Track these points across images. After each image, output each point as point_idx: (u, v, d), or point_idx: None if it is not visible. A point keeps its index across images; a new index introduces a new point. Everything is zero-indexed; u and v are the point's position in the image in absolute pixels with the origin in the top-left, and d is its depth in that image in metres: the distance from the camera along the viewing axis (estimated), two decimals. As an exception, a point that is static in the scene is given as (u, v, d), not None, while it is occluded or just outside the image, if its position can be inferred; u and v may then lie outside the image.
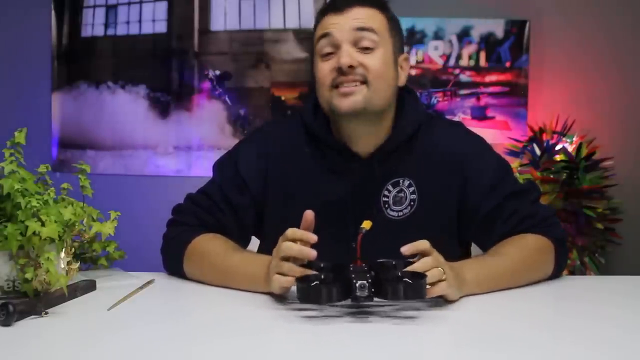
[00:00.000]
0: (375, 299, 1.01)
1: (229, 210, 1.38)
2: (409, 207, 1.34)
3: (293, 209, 1.32)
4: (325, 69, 1.28)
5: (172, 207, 1.43)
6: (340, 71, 1.26)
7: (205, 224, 1.37)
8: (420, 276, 1.03)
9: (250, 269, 1.22)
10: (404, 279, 1.02)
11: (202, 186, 1.43)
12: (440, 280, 1.08)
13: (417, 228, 1.32)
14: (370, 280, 1.00)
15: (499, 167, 1.39)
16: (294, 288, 1.05)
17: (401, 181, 1.34)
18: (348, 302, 1.03)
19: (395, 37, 1.33)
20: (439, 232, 1.34)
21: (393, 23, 1.34)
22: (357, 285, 1.00)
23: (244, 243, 1.43)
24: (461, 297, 1.17)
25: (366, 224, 1.13)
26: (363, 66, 1.26)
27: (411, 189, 1.34)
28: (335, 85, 1.27)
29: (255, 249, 1.46)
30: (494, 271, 1.23)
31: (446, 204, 1.36)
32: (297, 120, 1.41)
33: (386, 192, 1.34)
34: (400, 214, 1.34)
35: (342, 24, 1.27)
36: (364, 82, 1.27)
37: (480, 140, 1.43)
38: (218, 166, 1.44)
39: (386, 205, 1.34)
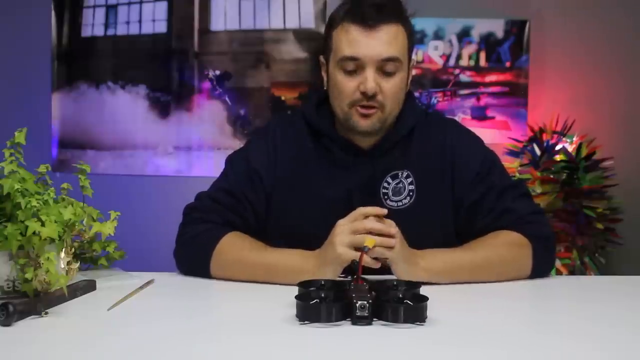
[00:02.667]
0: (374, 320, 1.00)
1: (248, 205, 1.40)
2: (408, 198, 1.39)
3: (297, 202, 1.39)
4: (348, 85, 1.32)
5: (186, 205, 1.42)
6: (364, 94, 1.31)
7: (230, 223, 1.38)
8: (421, 299, 1.02)
9: (293, 263, 1.27)
10: (405, 301, 1.02)
11: (216, 183, 1.44)
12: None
13: (416, 217, 1.37)
14: (370, 301, 0.99)
15: (485, 161, 1.42)
16: None
17: (400, 173, 1.39)
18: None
19: (411, 50, 1.38)
20: (437, 222, 1.40)
21: (411, 35, 1.37)
22: (357, 305, 0.99)
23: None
24: (459, 297, 1.18)
25: (369, 242, 1.13)
26: (382, 92, 1.32)
27: (409, 180, 1.39)
28: (355, 105, 1.33)
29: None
30: (452, 264, 1.28)
31: (443, 195, 1.40)
32: (300, 117, 1.45)
33: (385, 184, 1.39)
34: (400, 204, 1.38)
35: (371, 48, 1.30)
36: (380, 107, 1.33)
37: (470, 133, 1.48)
38: (230, 161, 1.47)
39: (385, 197, 1.38)
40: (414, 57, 1.40)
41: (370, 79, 1.30)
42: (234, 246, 1.33)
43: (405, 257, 1.22)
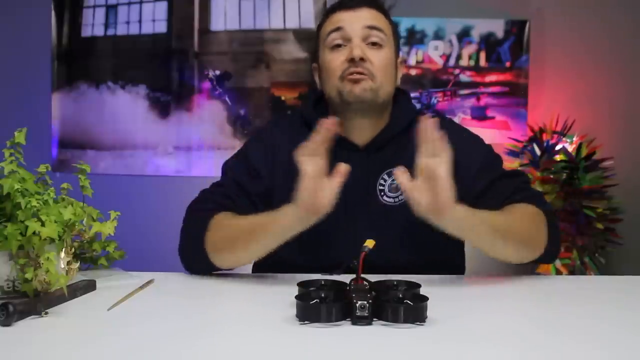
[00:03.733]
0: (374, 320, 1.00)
1: (245, 196, 1.41)
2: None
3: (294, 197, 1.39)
4: (336, 60, 1.37)
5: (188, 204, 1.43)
6: (352, 61, 1.35)
7: (224, 207, 1.38)
8: (421, 299, 1.02)
9: (280, 217, 1.23)
10: (405, 301, 1.02)
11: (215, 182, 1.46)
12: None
13: (413, 213, 1.35)
14: (370, 301, 0.99)
15: (489, 153, 1.47)
16: None
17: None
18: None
19: (395, 41, 1.44)
20: None
21: (394, 29, 1.45)
22: (357, 305, 0.99)
23: None
24: (459, 297, 1.18)
25: (369, 243, 1.13)
26: (370, 61, 1.36)
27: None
28: (346, 76, 1.36)
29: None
30: (488, 220, 1.24)
31: None
32: (298, 116, 1.50)
33: (382, 181, 1.41)
34: (396, 200, 1.40)
35: (354, 20, 1.38)
36: (370, 76, 1.36)
37: (469, 131, 1.52)
38: (228, 163, 1.48)
39: (382, 193, 1.40)
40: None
41: (356, 45, 1.35)
42: (225, 222, 1.32)
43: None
